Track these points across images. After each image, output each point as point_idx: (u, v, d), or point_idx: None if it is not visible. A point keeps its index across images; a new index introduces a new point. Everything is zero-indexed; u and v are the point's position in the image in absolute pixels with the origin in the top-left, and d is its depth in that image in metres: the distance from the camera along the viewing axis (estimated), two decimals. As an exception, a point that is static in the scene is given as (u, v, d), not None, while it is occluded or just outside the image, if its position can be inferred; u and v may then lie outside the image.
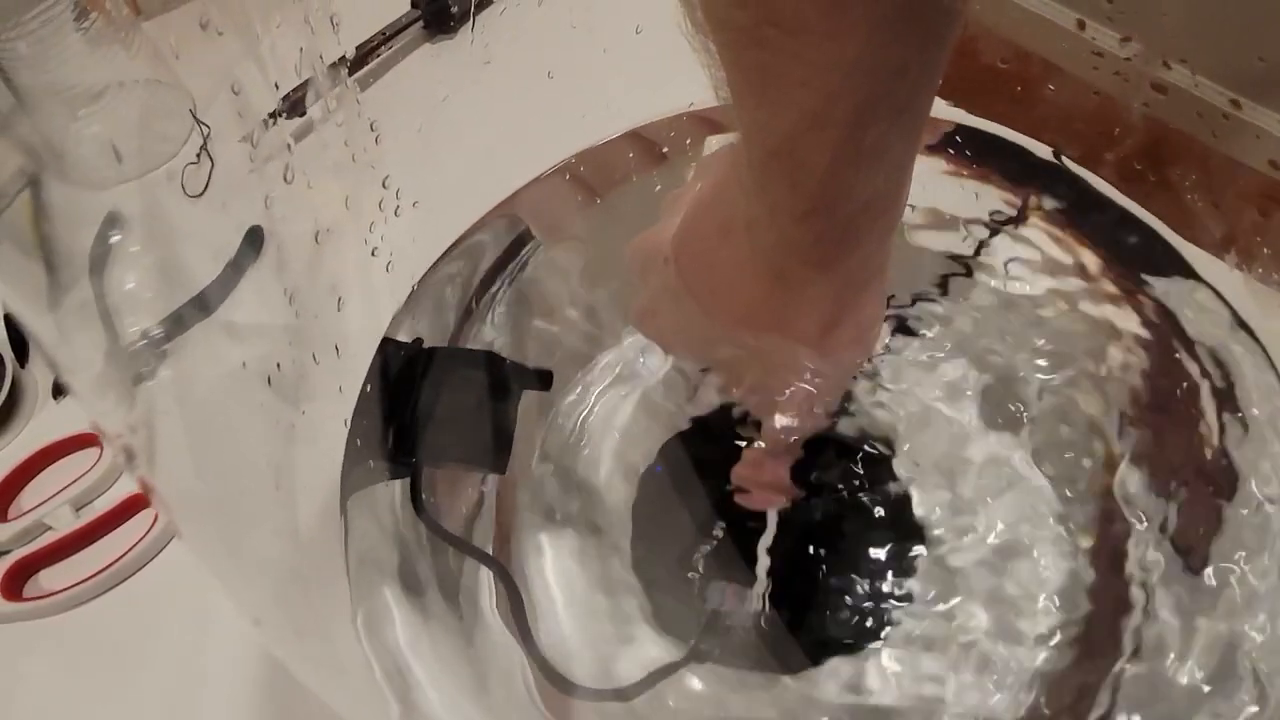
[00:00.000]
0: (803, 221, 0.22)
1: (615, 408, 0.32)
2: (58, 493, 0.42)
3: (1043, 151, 0.35)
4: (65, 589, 0.39)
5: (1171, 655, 0.28)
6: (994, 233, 0.34)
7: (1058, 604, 0.29)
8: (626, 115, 0.36)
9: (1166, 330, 0.31)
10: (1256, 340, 0.30)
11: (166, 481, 0.23)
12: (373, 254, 0.27)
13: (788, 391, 0.26)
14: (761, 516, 0.29)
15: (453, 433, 0.28)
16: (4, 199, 0.35)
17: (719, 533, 0.31)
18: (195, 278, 0.30)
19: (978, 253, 0.34)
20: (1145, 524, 0.29)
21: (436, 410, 0.27)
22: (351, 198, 0.26)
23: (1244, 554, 0.28)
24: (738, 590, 0.30)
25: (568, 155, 0.35)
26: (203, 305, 0.28)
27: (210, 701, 0.36)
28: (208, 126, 0.34)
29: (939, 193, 0.36)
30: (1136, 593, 0.28)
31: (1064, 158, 0.34)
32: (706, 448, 0.31)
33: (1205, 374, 0.30)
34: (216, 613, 0.38)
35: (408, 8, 0.45)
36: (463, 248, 0.32)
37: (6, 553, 0.41)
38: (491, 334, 0.32)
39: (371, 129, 0.27)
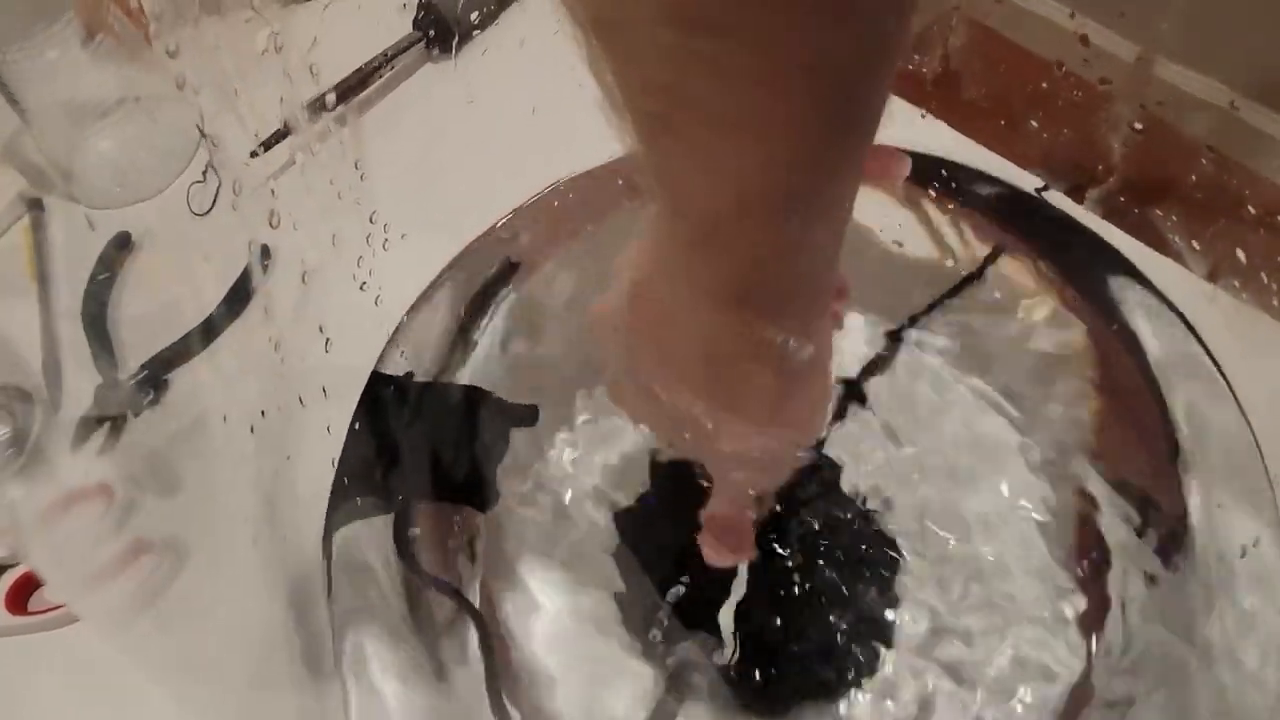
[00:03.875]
0: (731, 308, 0.22)
1: (602, 440, 0.32)
2: (65, 523, 0.42)
3: (1029, 183, 0.35)
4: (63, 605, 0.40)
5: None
6: (974, 274, 0.35)
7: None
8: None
9: (1138, 365, 0.32)
10: (1225, 378, 0.30)
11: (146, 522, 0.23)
12: (361, 289, 0.27)
13: (733, 466, 0.26)
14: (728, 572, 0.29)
15: (438, 470, 0.28)
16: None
17: (682, 588, 0.30)
18: (197, 307, 0.31)
19: (952, 293, 0.35)
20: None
21: (422, 447, 0.28)
22: (338, 235, 0.27)
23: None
24: (701, 647, 0.30)
25: (555, 181, 0.35)
26: (202, 338, 0.28)
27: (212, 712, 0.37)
28: (215, 142, 0.35)
29: (914, 228, 0.36)
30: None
31: (1049, 191, 0.34)
32: (682, 491, 0.32)
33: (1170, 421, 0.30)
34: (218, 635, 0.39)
35: (409, 29, 0.45)
36: (451, 275, 0.32)
37: (11, 567, 0.41)
38: (481, 364, 0.32)
39: (356, 167, 0.27)
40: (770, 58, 0.17)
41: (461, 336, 0.31)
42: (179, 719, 0.37)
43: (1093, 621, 0.29)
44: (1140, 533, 0.31)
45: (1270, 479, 0.28)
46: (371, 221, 0.27)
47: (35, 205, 0.53)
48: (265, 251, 0.30)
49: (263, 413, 0.25)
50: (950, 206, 0.35)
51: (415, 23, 0.47)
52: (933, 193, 0.36)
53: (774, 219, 0.19)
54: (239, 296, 0.30)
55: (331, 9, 0.34)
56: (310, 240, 0.26)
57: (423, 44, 0.47)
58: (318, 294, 0.26)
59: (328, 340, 0.26)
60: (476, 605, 0.29)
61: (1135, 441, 0.31)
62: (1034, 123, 0.33)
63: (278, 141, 0.35)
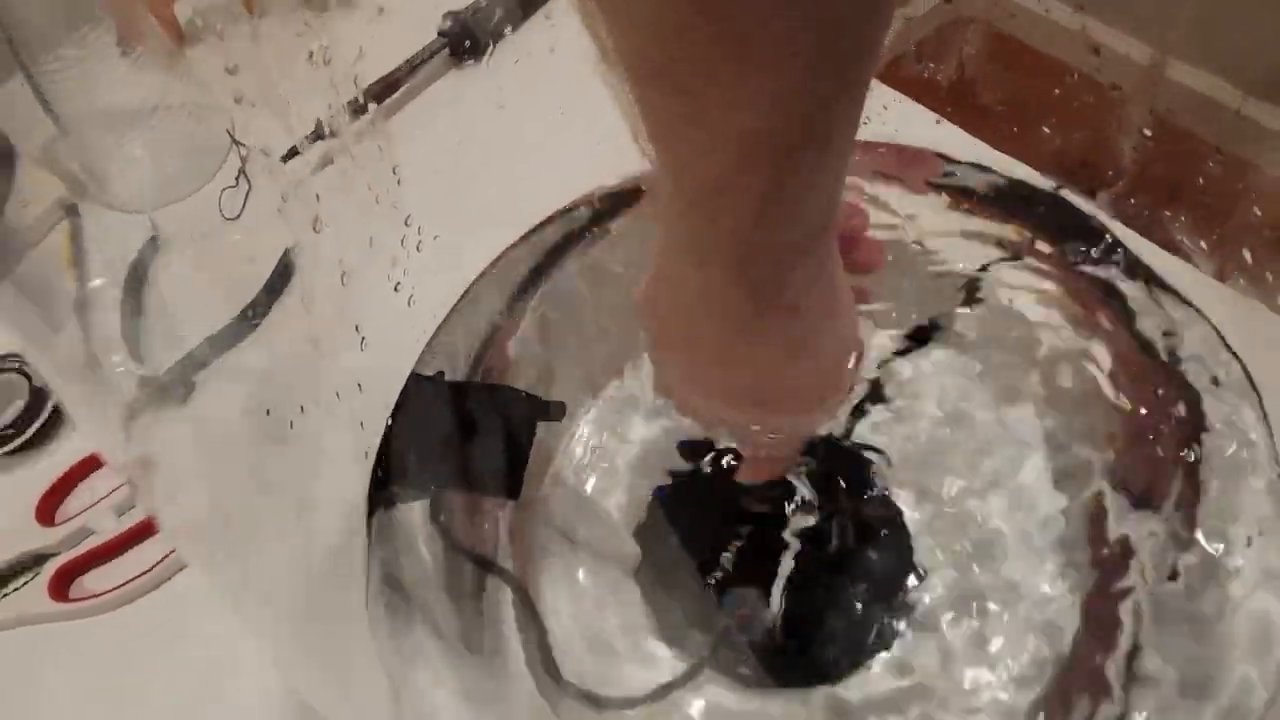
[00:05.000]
0: (734, 272, 0.21)
1: (627, 432, 0.34)
2: (100, 499, 0.44)
3: (1043, 184, 0.36)
4: (109, 590, 0.42)
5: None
6: (985, 269, 0.35)
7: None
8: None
9: (1153, 366, 0.32)
10: (1246, 372, 0.31)
11: (177, 515, 0.25)
12: (395, 289, 0.29)
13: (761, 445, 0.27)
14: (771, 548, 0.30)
15: (470, 461, 0.30)
16: (40, 230, 0.37)
17: (730, 554, 0.32)
18: (227, 306, 0.32)
19: (973, 293, 0.35)
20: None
21: (455, 440, 0.29)
22: (375, 238, 0.28)
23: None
24: (753, 601, 0.31)
25: (590, 189, 0.36)
26: (231, 337, 0.29)
27: (243, 693, 0.38)
28: (245, 147, 0.36)
29: (938, 228, 0.37)
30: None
31: (1064, 191, 0.35)
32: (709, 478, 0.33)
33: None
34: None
35: (434, 35, 0.46)
36: (484, 281, 0.33)
37: (54, 555, 0.43)
38: (512, 363, 0.33)
39: (394, 173, 0.28)
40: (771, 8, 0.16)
41: (493, 336, 0.33)
42: (205, 699, 0.39)
43: (1099, 611, 0.30)
44: (1155, 532, 0.31)
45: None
46: (406, 224, 0.28)
47: (72, 211, 0.55)
48: (294, 255, 0.32)
49: (301, 407, 0.26)
50: (966, 206, 0.36)
51: (441, 31, 0.48)
52: (947, 195, 0.36)
53: (778, 168, 0.19)
54: (270, 297, 0.31)
55: (357, 17, 0.35)
56: (347, 242, 0.27)
57: (447, 51, 0.48)
58: (354, 294, 0.27)
59: (363, 339, 0.27)
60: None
61: (1150, 439, 0.32)
62: (1047, 129, 0.34)
63: (311, 144, 0.36)
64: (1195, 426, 0.31)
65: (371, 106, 0.41)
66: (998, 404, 0.35)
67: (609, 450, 0.33)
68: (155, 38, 0.40)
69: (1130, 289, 0.34)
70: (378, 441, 0.29)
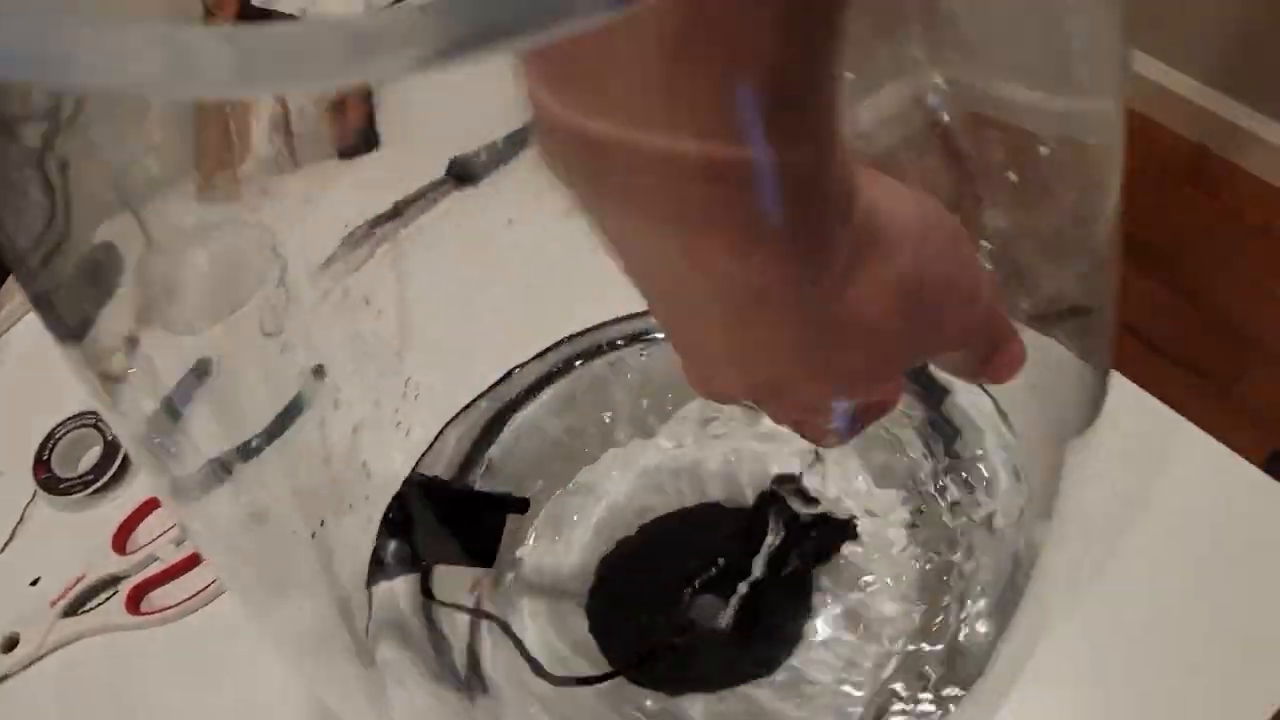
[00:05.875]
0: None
1: (585, 516, 0.46)
2: (162, 534, 0.55)
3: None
4: (173, 606, 0.53)
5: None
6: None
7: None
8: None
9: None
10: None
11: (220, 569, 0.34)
12: (395, 426, 0.39)
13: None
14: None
15: (451, 543, 0.40)
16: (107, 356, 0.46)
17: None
18: (261, 414, 0.41)
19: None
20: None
21: (439, 528, 0.40)
22: (380, 398, 0.38)
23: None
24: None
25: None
26: (266, 438, 0.39)
27: (287, 689, 0.49)
28: (284, 259, 0.45)
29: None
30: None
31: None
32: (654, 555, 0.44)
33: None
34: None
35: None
36: (471, 408, 0.44)
37: (127, 577, 0.54)
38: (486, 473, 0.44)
39: (402, 330, 0.39)
40: None
41: (474, 450, 0.44)
42: (251, 696, 0.50)
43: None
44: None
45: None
46: (406, 386, 0.38)
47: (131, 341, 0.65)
48: (319, 371, 0.42)
49: (322, 521, 0.37)
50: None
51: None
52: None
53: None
54: (294, 411, 0.40)
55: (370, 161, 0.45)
56: (357, 394, 0.38)
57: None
58: (363, 438, 0.38)
59: (366, 466, 0.38)
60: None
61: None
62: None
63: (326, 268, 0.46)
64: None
65: (364, 234, 0.52)
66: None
67: (564, 538, 0.45)
68: (224, 187, 0.48)
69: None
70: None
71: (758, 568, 0.43)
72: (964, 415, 0.47)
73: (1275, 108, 1.37)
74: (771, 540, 0.44)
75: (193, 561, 0.55)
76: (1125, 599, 0.47)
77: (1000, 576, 0.43)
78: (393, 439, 0.39)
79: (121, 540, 0.55)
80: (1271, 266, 1.35)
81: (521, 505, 0.41)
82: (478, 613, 0.42)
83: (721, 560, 0.44)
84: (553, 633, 0.43)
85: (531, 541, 0.45)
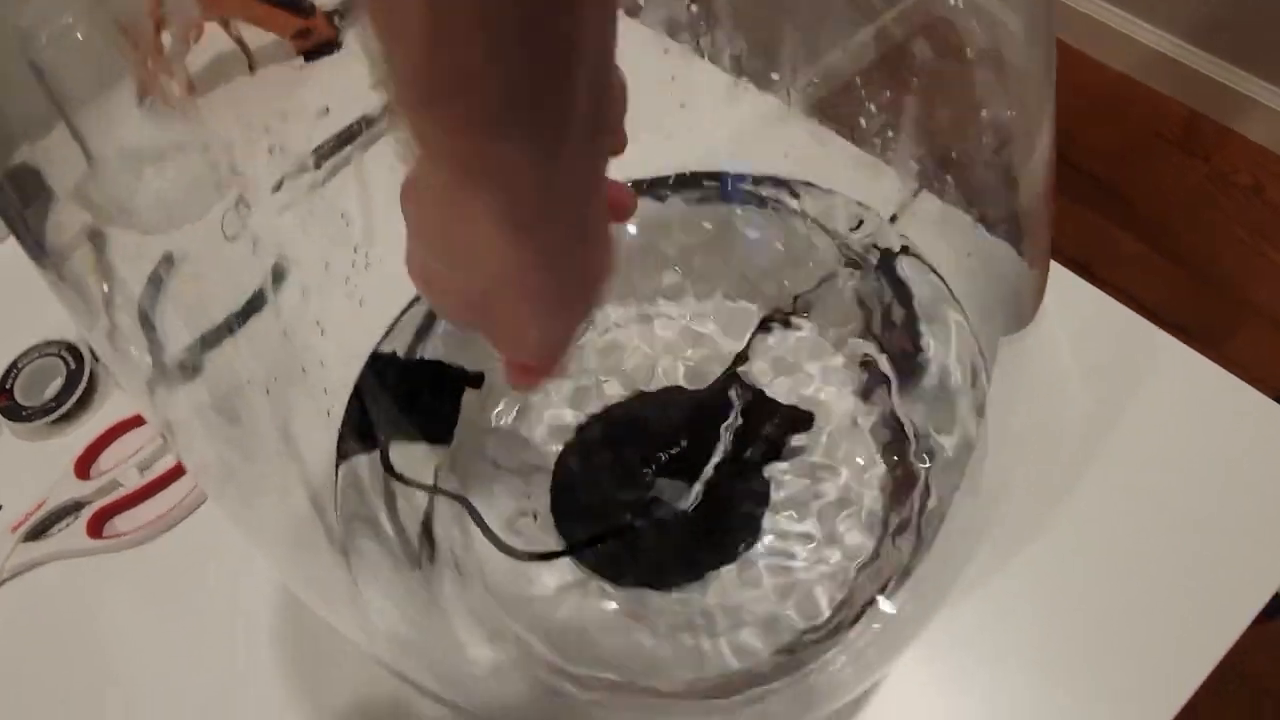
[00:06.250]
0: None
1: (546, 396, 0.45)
2: (127, 459, 0.54)
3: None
4: (134, 530, 0.52)
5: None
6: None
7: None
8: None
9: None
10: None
11: (196, 463, 0.34)
12: (359, 304, 0.38)
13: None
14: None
15: (408, 419, 0.39)
16: (70, 251, 0.45)
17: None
18: (225, 305, 0.41)
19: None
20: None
21: (400, 403, 0.38)
22: (333, 261, 0.38)
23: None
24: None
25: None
26: (228, 329, 0.38)
27: (246, 614, 0.48)
28: (244, 177, 0.45)
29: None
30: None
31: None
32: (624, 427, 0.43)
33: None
34: (245, 549, 0.50)
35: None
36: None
37: (90, 503, 0.53)
38: (441, 344, 0.43)
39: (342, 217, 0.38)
40: None
41: (427, 324, 0.42)
42: (215, 618, 0.49)
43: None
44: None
45: (972, 329, 0.40)
46: (355, 251, 0.38)
47: (97, 235, 0.64)
48: (278, 269, 0.41)
49: (275, 378, 0.36)
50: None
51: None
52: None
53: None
54: (258, 301, 0.40)
55: (335, 63, 0.44)
56: (312, 263, 0.37)
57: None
58: (316, 301, 0.37)
59: (322, 330, 0.37)
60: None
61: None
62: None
63: (297, 176, 0.45)
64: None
65: (333, 147, 0.51)
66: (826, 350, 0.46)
67: (524, 412, 0.44)
68: (167, 90, 0.48)
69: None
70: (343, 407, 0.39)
71: (719, 451, 0.42)
72: (918, 300, 0.46)
73: (1265, 68, 1.36)
74: (731, 422, 0.43)
75: (156, 486, 0.53)
76: (1105, 502, 0.47)
77: (958, 462, 0.42)
78: (356, 320, 0.38)
79: (85, 466, 0.54)
80: (1262, 227, 1.34)
81: (476, 380, 0.40)
82: (437, 490, 0.41)
83: (683, 442, 0.42)
84: (513, 512, 0.42)
85: (493, 421, 0.44)
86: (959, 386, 0.43)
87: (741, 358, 0.45)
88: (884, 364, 0.45)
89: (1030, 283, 0.41)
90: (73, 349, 0.57)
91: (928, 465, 0.43)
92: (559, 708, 0.40)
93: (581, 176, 0.23)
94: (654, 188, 0.47)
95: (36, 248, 0.37)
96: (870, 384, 0.45)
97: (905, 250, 0.44)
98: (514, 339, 0.27)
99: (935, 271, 0.43)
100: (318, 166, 0.45)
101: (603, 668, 0.41)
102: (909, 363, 0.44)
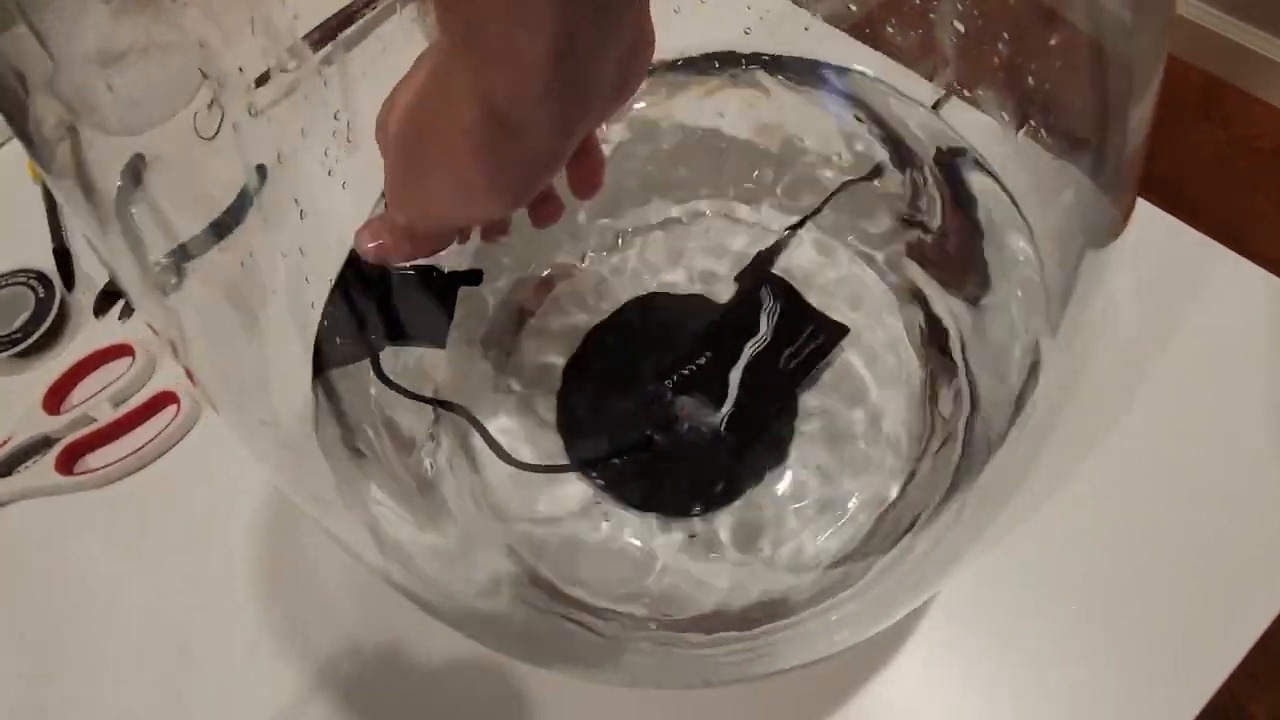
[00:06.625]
0: None
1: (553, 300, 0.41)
2: (99, 391, 0.50)
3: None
4: (106, 466, 0.48)
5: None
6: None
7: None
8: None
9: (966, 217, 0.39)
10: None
11: (197, 366, 0.31)
12: (329, 175, 0.34)
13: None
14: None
15: (404, 317, 0.35)
16: (53, 144, 0.42)
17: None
18: (209, 208, 0.37)
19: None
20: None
21: (391, 301, 0.35)
22: (308, 129, 0.34)
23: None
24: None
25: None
26: (215, 232, 0.35)
27: (223, 555, 0.45)
28: (215, 79, 0.41)
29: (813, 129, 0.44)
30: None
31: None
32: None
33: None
34: (228, 486, 0.47)
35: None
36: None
37: (60, 439, 0.49)
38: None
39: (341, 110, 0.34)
40: None
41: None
42: (192, 558, 0.45)
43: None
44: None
45: (1046, 289, 0.35)
46: (336, 119, 0.34)
47: (72, 130, 0.61)
48: (262, 170, 0.37)
49: (251, 253, 0.32)
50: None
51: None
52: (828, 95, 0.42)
53: None
54: (241, 206, 0.37)
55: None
56: (302, 161, 0.33)
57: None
58: (293, 178, 0.33)
59: (301, 211, 0.33)
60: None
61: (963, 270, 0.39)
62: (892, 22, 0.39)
63: (278, 73, 0.41)
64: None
65: (319, 38, 0.47)
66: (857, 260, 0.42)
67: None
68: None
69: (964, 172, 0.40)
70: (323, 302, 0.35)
71: (744, 362, 0.38)
72: (984, 210, 0.42)
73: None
74: (762, 335, 0.39)
75: (132, 420, 0.50)
76: (1158, 413, 0.43)
77: (1005, 382, 0.38)
78: (327, 185, 0.34)
79: (54, 401, 0.50)
80: (1285, 192, 1.30)
81: (474, 277, 0.36)
82: (438, 402, 0.37)
83: (707, 352, 0.38)
84: (516, 426, 0.38)
85: (491, 325, 0.40)
86: (1018, 320, 0.39)
87: (766, 257, 0.41)
88: (934, 284, 0.40)
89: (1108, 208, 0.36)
90: (42, 277, 0.53)
91: (973, 385, 0.39)
92: (575, 644, 0.36)
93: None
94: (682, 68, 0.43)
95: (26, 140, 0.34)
96: (915, 298, 0.41)
97: (964, 153, 0.40)
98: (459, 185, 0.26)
99: (999, 180, 0.38)
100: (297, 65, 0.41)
101: (615, 599, 0.37)
102: (964, 281, 0.40)
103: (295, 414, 0.37)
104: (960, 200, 0.39)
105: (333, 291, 0.35)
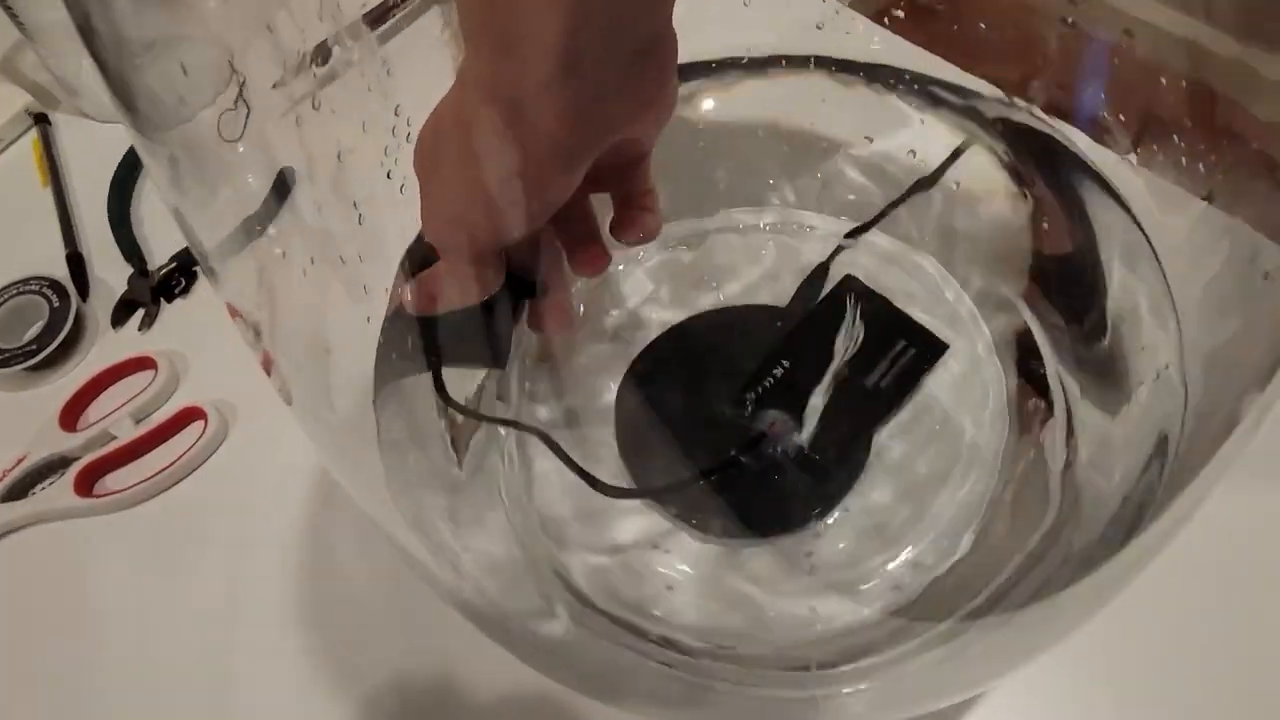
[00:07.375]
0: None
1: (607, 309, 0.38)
2: (119, 407, 0.47)
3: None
4: (128, 488, 0.45)
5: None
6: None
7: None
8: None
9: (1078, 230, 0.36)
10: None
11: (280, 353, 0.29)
12: (387, 176, 0.31)
13: None
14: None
15: (462, 337, 0.33)
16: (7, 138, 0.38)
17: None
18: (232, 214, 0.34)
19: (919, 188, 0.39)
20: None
21: (448, 319, 0.32)
22: (367, 123, 0.31)
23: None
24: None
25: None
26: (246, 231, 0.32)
27: (257, 583, 0.42)
28: (243, 75, 0.39)
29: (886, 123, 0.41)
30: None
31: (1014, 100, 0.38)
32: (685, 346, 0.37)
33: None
34: (255, 510, 0.44)
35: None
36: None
37: (77, 459, 0.46)
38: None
39: (385, 66, 0.31)
40: None
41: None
42: (215, 587, 0.42)
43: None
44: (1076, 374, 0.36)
45: (1177, 315, 0.32)
46: (396, 115, 0.31)
47: (42, 119, 0.57)
48: (291, 173, 0.34)
49: (312, 259, 0.29)
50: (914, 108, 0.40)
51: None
52: (898, 97, 0.40)
53: None
54: (271, 206, 0.34)
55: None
56: (345, 133, 0.30)
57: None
58: (351, 176, 0.30)
59: (360, 215, 0.30)
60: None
61: (1069, 286, 0.36)
62: (983, 25, 0.37)
63: (310, 68, 0.38)
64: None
65: (360, 31, 0.44)
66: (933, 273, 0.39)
67: (593, 320, 0.37)
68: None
69: (1065, 174, 0.37)
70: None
71: (829, 378, 0.35)
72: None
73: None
74: (847, 343, 0.36)
75: (154, 439, 0.47)
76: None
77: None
78: (386, 186, 0.31)
79: (71, 417, 0.47)
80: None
81: (530, 289, 0.33)
82: (510, 423, 0.34)
83: (785, 363, 0.36)
84: (576, 449, 0.35)
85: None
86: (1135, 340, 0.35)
87: (823, 269, 0.39)
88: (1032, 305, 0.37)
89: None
90: (55, 285, 0.50)
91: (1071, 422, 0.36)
92: (639, 675, 0.34)
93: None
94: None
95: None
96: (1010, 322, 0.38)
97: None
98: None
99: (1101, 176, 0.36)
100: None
101: (683, 631, 0.35)
102: (1072, 296, 0.36)
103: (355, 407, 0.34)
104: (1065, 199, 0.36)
105: (388, 315, 0.32)
